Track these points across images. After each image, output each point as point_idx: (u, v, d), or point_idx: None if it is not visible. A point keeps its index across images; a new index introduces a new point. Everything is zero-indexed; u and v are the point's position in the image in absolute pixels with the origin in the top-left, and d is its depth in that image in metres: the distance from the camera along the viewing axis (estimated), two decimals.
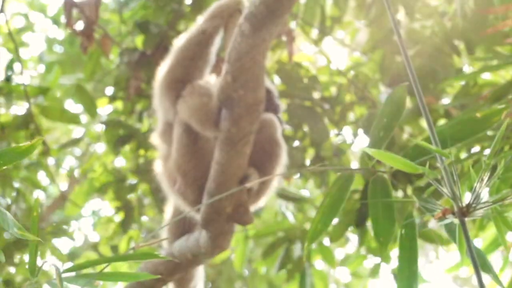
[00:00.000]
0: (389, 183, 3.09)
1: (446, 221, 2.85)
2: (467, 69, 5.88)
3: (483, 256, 2.99)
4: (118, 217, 7.34)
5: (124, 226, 7.20)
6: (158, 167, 4.18)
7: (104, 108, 6.91)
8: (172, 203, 4.28)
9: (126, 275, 3.03)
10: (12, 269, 6.33)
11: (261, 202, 4.08)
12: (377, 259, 7.53)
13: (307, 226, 7.44)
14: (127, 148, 6.77)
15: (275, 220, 7.98)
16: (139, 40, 6.52)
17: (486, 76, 5.24)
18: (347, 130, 6.99)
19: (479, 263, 2.80)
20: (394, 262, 7.49)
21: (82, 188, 7.54)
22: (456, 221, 2.80)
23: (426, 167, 2.86)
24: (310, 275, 7.35)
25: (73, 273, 2.78)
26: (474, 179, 2.89)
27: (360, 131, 6.62)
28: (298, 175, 7.08)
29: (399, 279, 3.00)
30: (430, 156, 2.99)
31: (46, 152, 6.41)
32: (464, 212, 2.76)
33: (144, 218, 7.60)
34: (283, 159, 4.00)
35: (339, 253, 8.84)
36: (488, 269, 2.96)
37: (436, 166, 2.94)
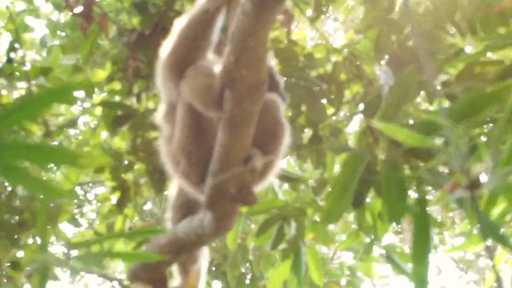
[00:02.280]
0: (402, 165, 3.08)
1: (456, 195, 2.84)
2: (468, 48, 5.87)
3: (496, 227, 2.99)
4: (114, 197, 7.34)
5: (119, 205, 7.19)
6: (161, 148, 4.16)
7: (102, 86, 6.88)
8: (176, 184, 4.27)
9: (134, 255, 3.02)
10: (17, 253, 6.35)
11: (265, 183, 4.07)
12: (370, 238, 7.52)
13: (301, 204, 7.45)
14: (124, 128, 6.75)
15: (267, 197, 7.98)
16: (136, 20, 6.48)
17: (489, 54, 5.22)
18: (344, 109, 6.98)
19: (494, 236, 2.80)
20: (386, 240, 7.51)
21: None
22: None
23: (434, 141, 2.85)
24: (304, 254, 7.37)
25: (81, 251, 2.77)
26: (483, 152, 2.88)
27: (358, 108, 6.61)
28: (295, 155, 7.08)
29: (413, 258, 3.00)
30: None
31: (48, 135, 6.39)
32: (474, 185, 2.76)
33: (148, 204, 7.61)
34: (286, 139, 4.00)
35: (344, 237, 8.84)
36: (502, 240, 2.95)
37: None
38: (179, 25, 4.02)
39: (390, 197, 3.10)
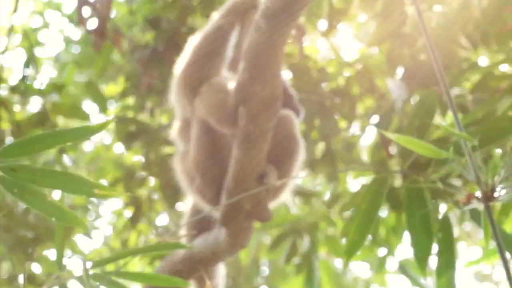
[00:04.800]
0: (426, 192, 3.06)
1: (471, 206, 2.82)
2: (482, 62, 5.85)
3: None
4: (128, 212, 7.35)
5: (133, 220, 7.19)
6: (176, 164, 4.16)
7: (114, 100, 6.91)
8: (191, 201, 4.27)
9: (150, 276, 3.00)
10: (33, 266, 6.38)
11: (280, 199, 4.07)
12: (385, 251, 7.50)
13: (314, 218, 7.44)
14: (138, 143, 6.76)
15: (281, 211, 7.97)
16: (149, 36, 6.50)
17: (505, 67, 5.21)
18: (357, 123, 6.98)
19: (509, 248, 2.79)
20: (402, 254, 7.48)
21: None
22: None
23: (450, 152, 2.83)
24: (317, 269, 7.36)
25: (97, 270, 2.75)
26: (498, 164, 2.86)
27: (371, 121, 6.61)
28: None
29: (437, 282, 2.99)
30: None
31: (62, 150, 6.41)
32: (489, 196, 2.74)
33: (162, 216, 7.60)
34: (301, 155, 3.99)
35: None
36: None
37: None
38: (193, 41, 4.03)
39: (414, 229, 3.07)
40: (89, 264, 2.71)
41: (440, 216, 3.16)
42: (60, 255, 2.71)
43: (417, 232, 3.05)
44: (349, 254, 3.15)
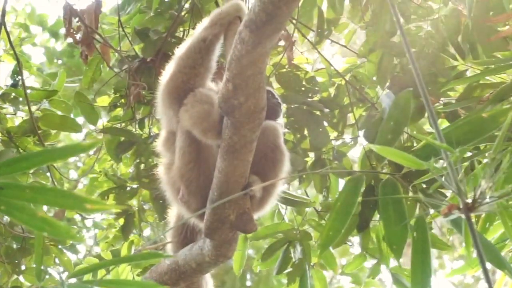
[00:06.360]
0: (400, 187, 3.07)
1: (452, 217, 2.83)
2: (470, 72, 5.85)
3: (496, 250, 2.97)
4: (119, 223, 7.31)
5: (124, 232, 7.16)
6: (161, 175, 4.16)
7: (105, 111, 6.86)
8: (176, 212, 4.27)
9: (130, 283, 3.00)
10: (18, 277, 6.35)
11: (265, 210, 4.07)
12: (375, 260, 7.47)
13: (306, 228, 7.42)
14: (127, 154, 6.74)
15: (273, 221, 7.95)
16: (137, 47, 6.48)
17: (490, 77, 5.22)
18: (347, 133, 6.97)
19: (492, 258, 2.79)
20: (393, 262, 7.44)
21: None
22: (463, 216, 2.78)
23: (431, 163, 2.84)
24: (310, 278, 7.33)
25: (77, 279, 2.75)
26: (479, 175, 2.87)
27: (360, 133, 6.58)
28: (298, 180, 7.05)
29: (412, 281, 3.00)
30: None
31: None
32: (470, 207, 2.75)
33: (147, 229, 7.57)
34: (286, 166, 3.99)
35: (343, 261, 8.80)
36: (501, 264, 2.93)
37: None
38: (177, 53, 4.04)
39: (388, 222, 3.09)
40: (74, 273, 2.72)
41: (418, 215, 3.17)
42: (39, 267, 2.72)
43: (391, 224, 3.07)
44: (323, 247, 3.22)
